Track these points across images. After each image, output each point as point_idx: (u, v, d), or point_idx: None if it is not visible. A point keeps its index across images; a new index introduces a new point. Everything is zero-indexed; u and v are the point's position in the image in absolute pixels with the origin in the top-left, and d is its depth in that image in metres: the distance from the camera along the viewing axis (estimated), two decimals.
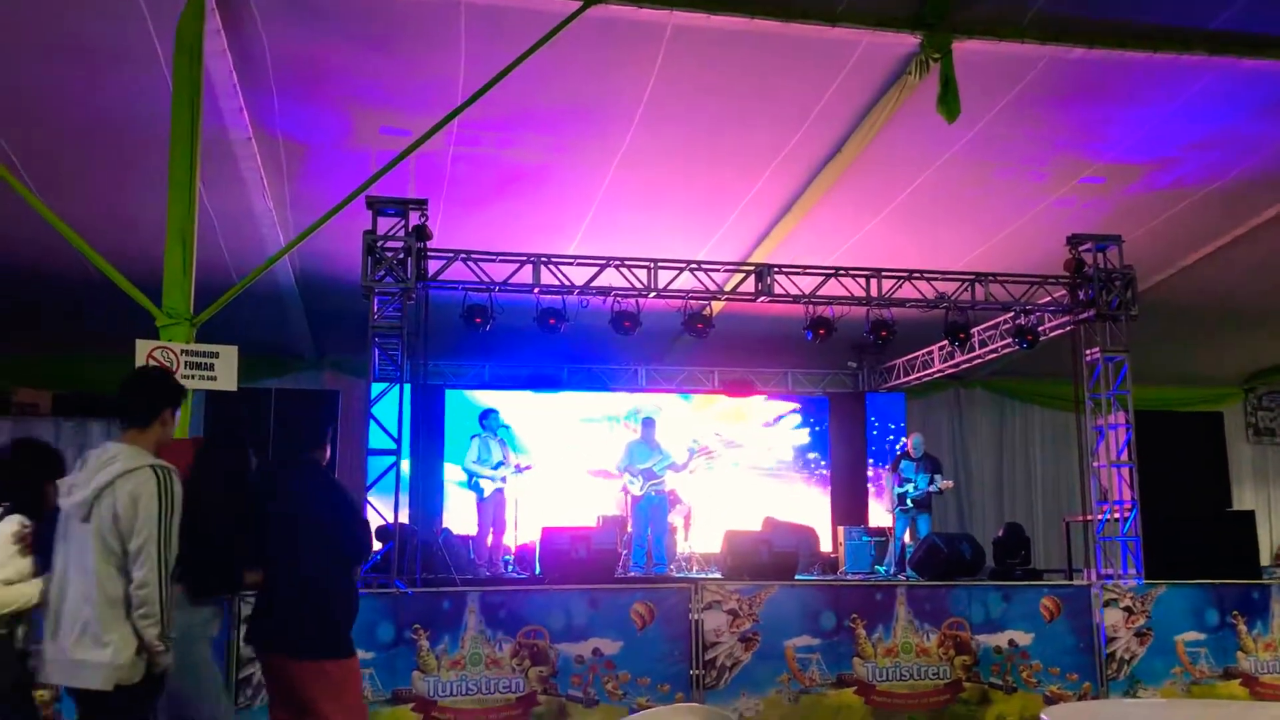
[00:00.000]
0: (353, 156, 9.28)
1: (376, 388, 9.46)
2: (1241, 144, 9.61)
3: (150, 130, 7.73)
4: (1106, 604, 8.38)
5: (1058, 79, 8.49)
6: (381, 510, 9.15)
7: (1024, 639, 8.17)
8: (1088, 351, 11.02)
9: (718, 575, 11.16)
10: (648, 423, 12.75)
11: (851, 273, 10.92)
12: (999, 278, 11.11)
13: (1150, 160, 9.92)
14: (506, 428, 12.55)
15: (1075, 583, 9.94)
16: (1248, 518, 11.98)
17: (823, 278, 10.88)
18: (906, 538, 12.42)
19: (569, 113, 8.86)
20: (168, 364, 6.46)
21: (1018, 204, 10.70)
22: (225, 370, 6.60)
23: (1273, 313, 13.56)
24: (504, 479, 11.79)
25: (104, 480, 3.83)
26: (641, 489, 12.12)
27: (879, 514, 14.60)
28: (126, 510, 3.79)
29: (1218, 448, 16.32)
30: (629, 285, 10.42)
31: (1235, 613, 8.62)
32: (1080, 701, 7.97)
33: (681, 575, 11.72)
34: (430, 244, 9.66)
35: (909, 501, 12.32)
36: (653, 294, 10.50)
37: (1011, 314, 11.54)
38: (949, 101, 7.91)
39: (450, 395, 14.32)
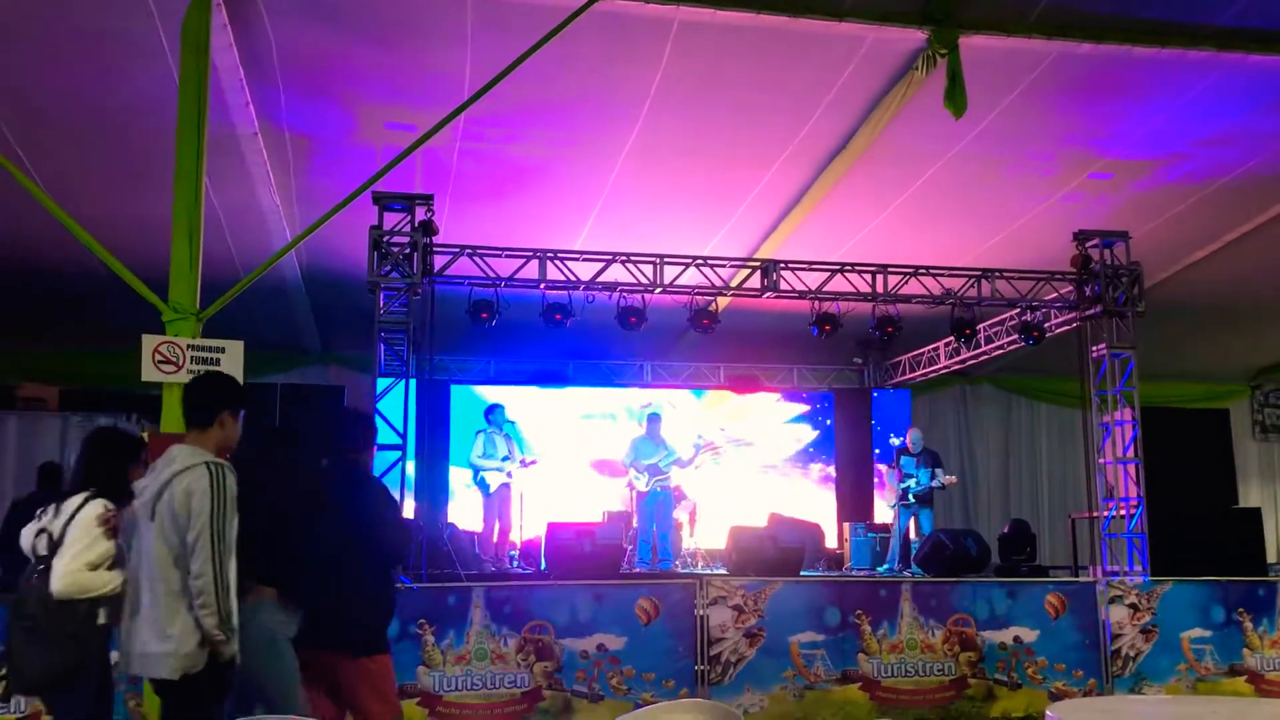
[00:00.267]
0: (359, 151, 9.29)
1: (382, 383, 9.47)
2: (1250, 140, 9.58)
3: (156, 125, 7.73)
4: (1112, 601, 8.38)
5: (1065, 74, 8.47)
6: None
7: (1029, 635, 8.17)
8: (1094, 348, 11.00)
9: (723, 571, 11.16)
10: (653, 418, 12.75)
11: (857, 268, 10.91)
12: (1005, 274, 11.10)
13: (1158, 156, 9.89)
14: (512, 423, 12.56)
15: (1081, 579, 9.93)
16: (1254, 515, 11.97)
17: (829, 273, 10.87)
18: (912, 534, 12.41)
19: (575, 108, 8.86)
20: (174, 359, 6.47)
21: (1024, 200, 10.67)
22: (231, 365, 6.60)
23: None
24: (509, 474, 11.80)
25: (164, 479, 4.01)
26: (647, 485, 12.13)
27: (884, 510, 14.59)
28: (181, 505, 3.94)
29: (1224, 444, 16.28)
30: (635, 281, 10.42)
31: (1241, 610, 8.60)
32: (1085, 698, 7.95)
33: (686, 571, 11.71)
34: (436, 239, 9.67)
35: (911, 497, 12.31)
36: (659, 289, 10.50)
37: (1018, 310, 11.53)
38: (956, 97, 7.89)
39: (456, 391, 14.32)
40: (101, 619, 4.37)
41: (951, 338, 12.09)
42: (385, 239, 9.39)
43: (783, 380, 15.84)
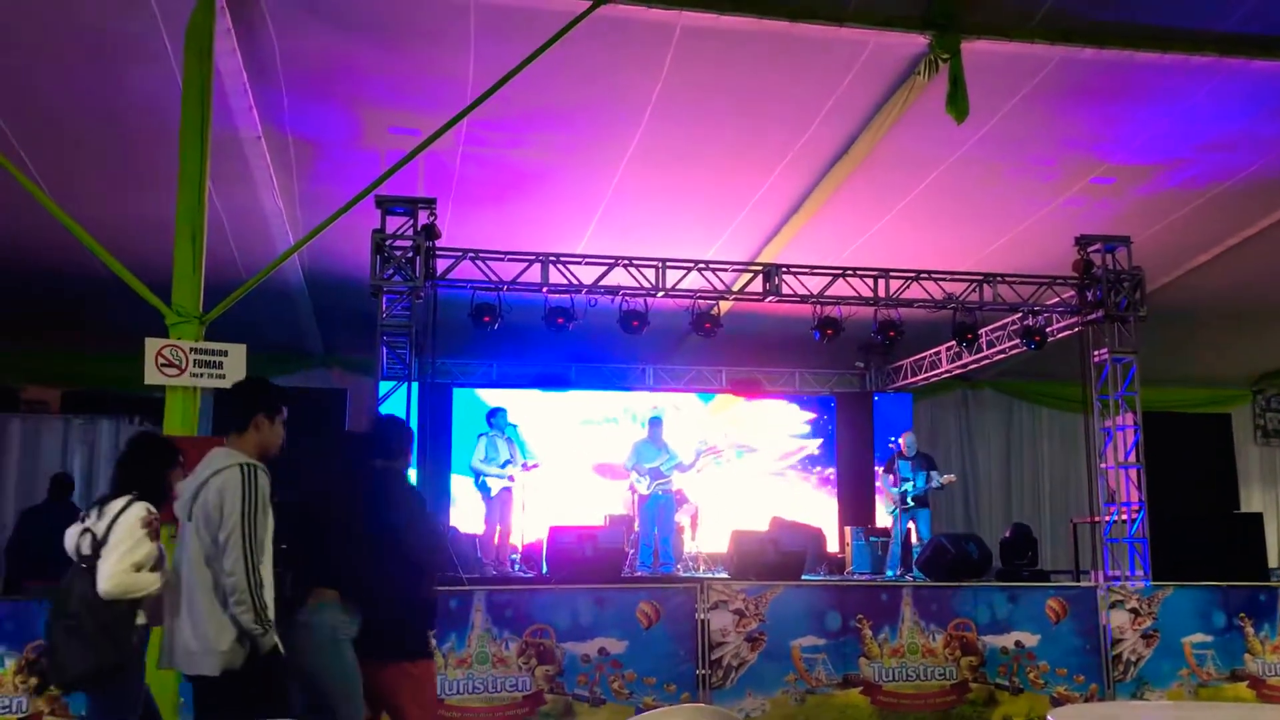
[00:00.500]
0: (362, 155, 9.30)
1: (384, 386, 9.48)
2: (1252, 145, 9.58)
3: (160, 128, 7.75)
4: (1113, 605, 8.37)
5: (1067, 79, 8.48)
6: None
7: (1030, 640, 8.17)
8: (1096, 353, 11.00)
9: (724, 575, 11.17)
10: (655, 422, 12.75)
11: (859, 273, 10.92)
12: (1007, 278, 11.11)
13: (1160, 161, 9.90)
14: (514, 427, 12.55)
15: (1082, 584, 9.93)
16: (1255, 520, 11.96)
17: (831, 278, 10.88)
18: (914, 538, 12.42)
19: (578, 112, 8.87)
20: (176, 362, 6.48)
21: (1026, 204, 10.68)
22: (234, 368, 6.61)
23: None
24: (511, 478, 11.80)
25: (200, 480, 4.13)
26: (649, 488, 12.12)
27: (886, 514, 14.58)
28: (214, 506, 4.05)
29: (1226, 449, 16.23)
30: (637, 284, 10.44)
31: (1242, 615, 8.59)
32: (1087, 703, 7.95)
33: (688, 575, 11.71)
34: (439, 243, 9.68)
35: (910, 500, 12.32)
36: (661, 293, 10.52)
37: (1020, 315, 11.53)
38: (958, 101, 7.89)
39: (458, 394, 14.32)
40: (141, 619, 4.52)
41: (953, 342, 12.10)
42: (388, 243, 9.40)
43: (784, 384, 15.85)
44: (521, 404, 13.85)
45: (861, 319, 11.23)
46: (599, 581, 8.46)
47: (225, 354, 6.62)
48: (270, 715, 4.09)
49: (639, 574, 11.42)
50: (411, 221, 9.46)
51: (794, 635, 7.80)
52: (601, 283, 10.35)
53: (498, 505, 11.75)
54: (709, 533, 13.11)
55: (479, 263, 10.08)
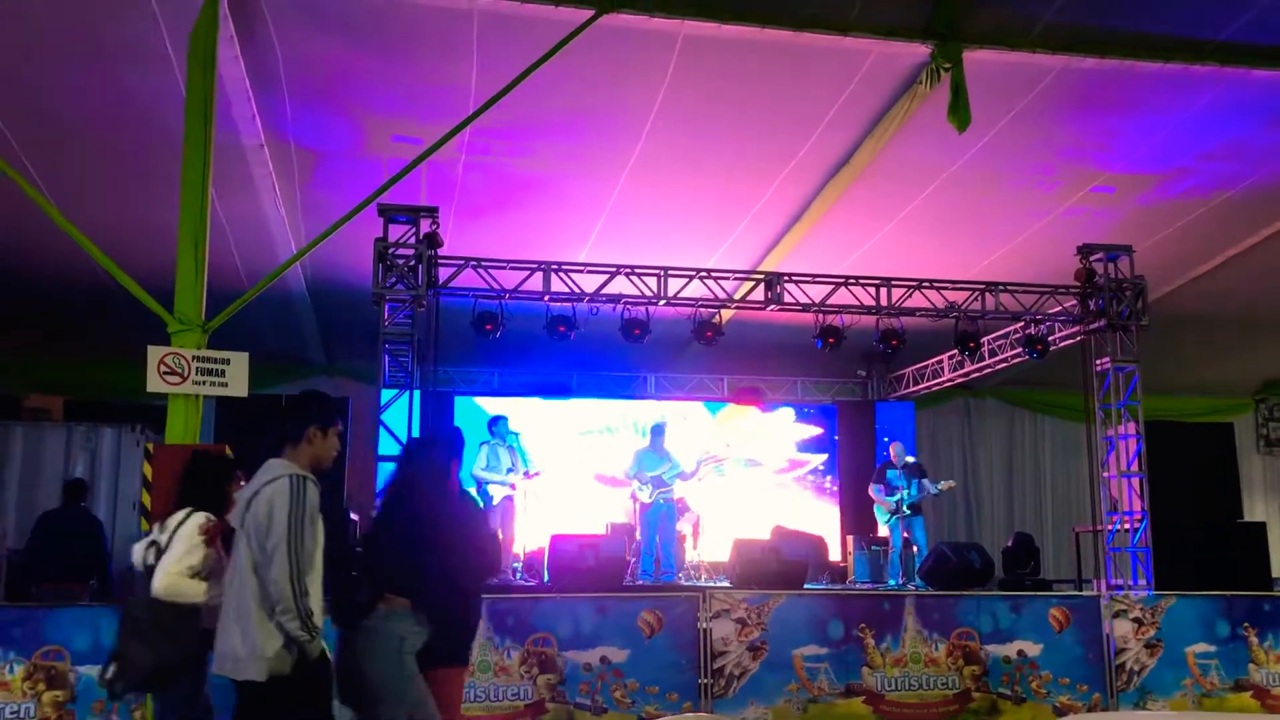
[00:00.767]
0: (364, 164, 9.32)
1: (386, 394, 9.48)
2: (1252, 154, 9.59)
3: (163, 136, 7.77)
4: (1116, 615, 8.36)
5: (1069, 89, 8.49)
6: None
7: (1033, 649, 8.16)
8: (1098, 361, 10.99)
9: (726, 584, 11.13)
10: (657, 430, 12.73)
11: (861, 281, 10.93)
12: (1009, 287, 11.11)
13: (1161, 170, 9.91)
14: (515, 435, 12.54)
15: (1085, 593, 9.90)
16: (1259, 529, 11.92)
17: (832, 286, 10.88)
18: (914, 546, 12.40)
19: (580, 121, 8.88)
20: (179, 370, 6.48)
21: (1028, 213, 10.69)
22: (236, 376, 6.62)
23: None
24: (513, 486, 11.78)
25: (253, 491, 4.22)
26: (651, 497, 12.10)
27: (880, 524, 14.57)
28: (263, 515, 4.13)
29: (1228, 458, 16.20)
30: (639, 293, 10.44)
31: (1246, 624, 8.59)
32: (1090, 713, 7.94)
33: (690, 584, 11.68)
34: (441, 251, 9.70)
35: (906, 508, 12.32)
36: (663, 302, 10.52)
37: (1021, 324, 11.52)
38: (960, 111, 7.91)
39: (459, 402, 14.32)
40: (204, 623, 4.68)
41: (955, 351, 12.09)
42: (390, 251, 9.41)
43: (786, 393, 15.84)
44: (523, 412, 13.85)
45: (863, 328, 11.22)
46: (601, 590, 8.44)
47: (227, 362, 6.63)
48: None
49: (641, 583, 11.39)
50: (414, 230, 9.47)
51: (796, 644, 7.80)
52: (603, 291, 10.36)
53: (499, 513, 11.73)
54: (711, 541, 13.08)
55: (481, 271, 10.08)
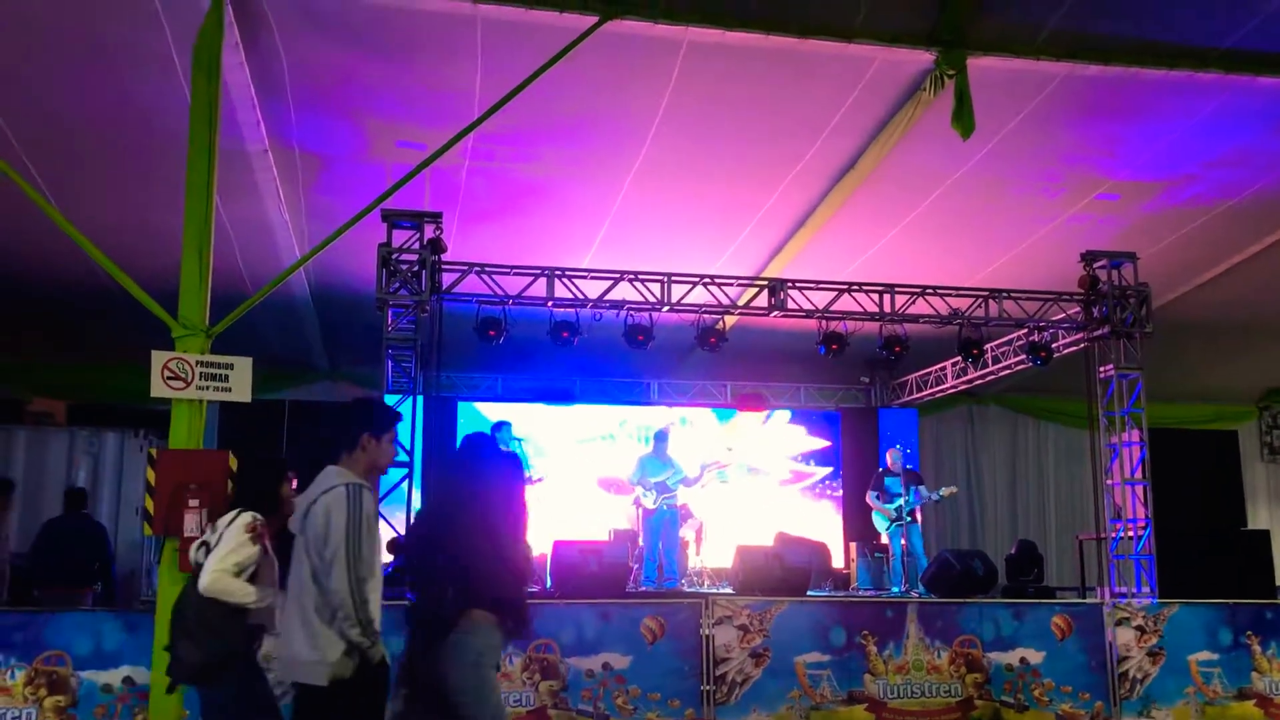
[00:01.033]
0: (368, 169, 9.32)
1: (389, 400, 9.48)
2: (1257, 162, 9.59)
3: (167, 140, 7.78)
4: (1119, 623, 8.34)
5: (1073, 96, 8.49)
6: (394, 523, 9.15)
7: (1036, 657, 8.14)
8: (1102, 368, 10.99)
9: (729, 590, 11.13)
10: (660, 436, 12.73)
11: (865, 288, 10.92)
12: (1013, 294, 11.10)
13: (1165, 178, 9.90)
14: (519, 440, 12.55)
15: (1088, 601, 9.90)
16: (1262, 537, 11.91)
17: (836, 293, 10.88)
18: (920, 551, 12.41)
19: (584, 127, 8.89)
20: (183, 375, 6.48)
21: (1032, 220, 10.68)
22: (240, 382, 6.61)
23: None
24: None
25: (311, 499, 4.29)
26: (654, 503, 12.10)
27: (878, 530, 14.56)
28: (321, 524, 4.20)
29: (1232, 466, 16.22)
30: (642, 299, 10.44)
31: (1249, 633, 8.56)
32: None
33: (693, 590, 11.68)
34: (445, 257, 9.70)
35: (907, 515, 12.33)
36: (666, 308, 10.52)
37: (1025, 330, 11.52)
38: (964, 117, 7.91)
39: (462, 408, 14.32)
40: (250, 619, 4.85)
41: (959, 357, 12.08)
42: (394, 256, 9.42)
43: (789, 399, 15.83)
44: (526, 418, 13.85)
45: (867, 334, 11.22)
46: (603, 596, 8.44)
47: (231, 367, 6.62)
48: None
49: (643, 589, 11.39)
50: (417, 235, 9.48)
51: (798, 651, 7.78)
52: (607, 297, 10.37)
53: None
54: (713, 548, 13.07)
55: (484, 277, 10.09)
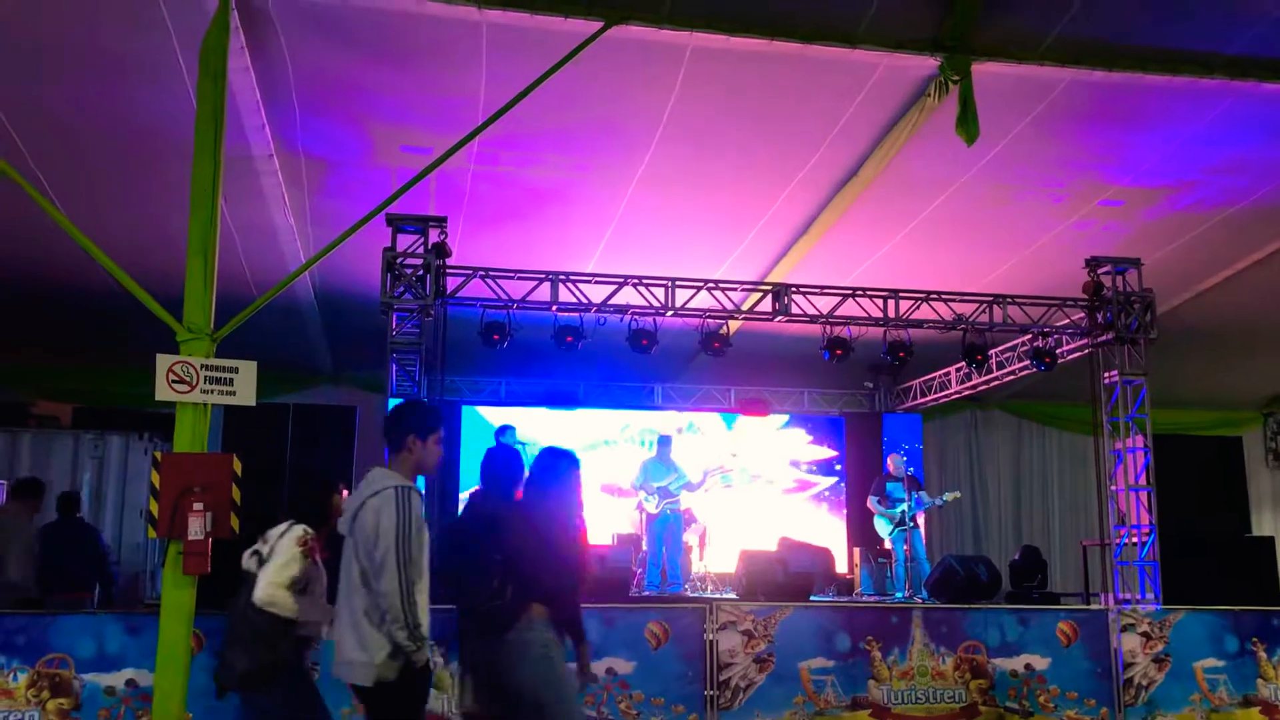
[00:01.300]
0: (373, 173, 9.34)
1: (393, 403, 9.47)
2: (1262, 168, 9.58)
3: (173, 145, 7.79)
4: (1124, 629, 8.33)
5: (1077, 102, 8.48)
6: None
7: (1041, 663, 8.13)
8: (1106, 374, 10.97)
9: (733, 595, 11.12)
10: (664, 441, 12.74)
11: (869, 293, 10.92)
12: (1017, 299, 11.10)
13: (1170, 183, 9.89)
14: (523, 444, 12.54)
15: (1092, 607, 9.87)
16: (1268, 544, 11.87)
17: (840, 298, 10.87)
18: (924, 556, 12.41)
19: (589, 132, 8.90)
20: (187, 378, 6.49)
21: (1036, 226, 10.68)
22: (244, 385, 6.61)
23: None
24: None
25: (358, 502, 4.34)
26: (657, 507, 12.10)
27: (881, 535, 14.56)
28: (370, 526, 4.25)
29: (1237, 472, 16.15)
30: (647, 303, 10.45)
31: (1255, 639, 8.55)
32: None
33: (696, 595, 11.68)
34: (449, 261, 9.70)
35: (909, 520, 12.33)
36: (670, 312, 10.52)
37: (1030, 336, 11.51)
38: (968, 123, 7.91)
39: (466, 412, 14.34)
40: (299, 630, 4.96)
41: (963, 363, 12.07)
42: (399, 260, 9.43)
43: (793, 404, 15.83)
44: (530, 422, 13.86)
45: (871, 339, 11.21)
46: (607, 601, 8.44)
47: (236, 371, 6.62)
48: None
49: (647, 594, 11.39)
50: (422, 239, 9.48)
51: (803, 656, 7.78)
52: (611, 301, 10.37)
53: None
54: (717, 552, 13.08)
55: (489, 281, 10.10)
